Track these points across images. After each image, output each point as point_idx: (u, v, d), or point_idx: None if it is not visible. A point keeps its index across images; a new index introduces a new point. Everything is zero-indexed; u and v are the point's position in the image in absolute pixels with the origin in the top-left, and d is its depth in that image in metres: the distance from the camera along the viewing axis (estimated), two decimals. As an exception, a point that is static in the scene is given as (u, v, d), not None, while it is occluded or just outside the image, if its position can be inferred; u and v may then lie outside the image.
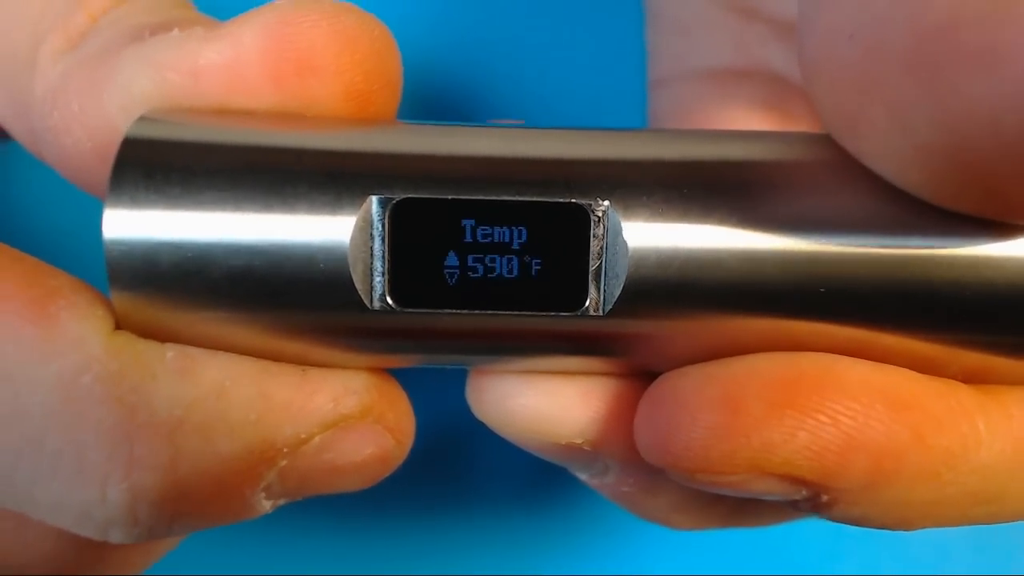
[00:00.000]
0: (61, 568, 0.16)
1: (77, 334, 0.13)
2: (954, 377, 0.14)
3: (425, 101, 0.26)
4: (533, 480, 0.28)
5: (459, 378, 0.17)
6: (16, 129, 0.18)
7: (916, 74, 0.11)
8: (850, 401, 0.13)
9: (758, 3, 0.22)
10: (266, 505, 0.15)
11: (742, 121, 0.22)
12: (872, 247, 0.13)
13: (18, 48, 0.16)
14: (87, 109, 0.15)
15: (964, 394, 0.14)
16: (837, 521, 0.15)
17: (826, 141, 0.14)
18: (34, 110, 0.16)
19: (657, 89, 0.24)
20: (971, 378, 0.14)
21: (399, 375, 0.16)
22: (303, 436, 0.14)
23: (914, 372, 0.14)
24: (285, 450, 0.14)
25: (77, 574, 0.16)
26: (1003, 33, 0.10)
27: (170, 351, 0.14)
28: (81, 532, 0.14)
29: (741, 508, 0.19)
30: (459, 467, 0.27)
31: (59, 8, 0.16)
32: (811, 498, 0.14)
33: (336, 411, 0.15)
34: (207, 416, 0.14)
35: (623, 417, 0.15)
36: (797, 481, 0.14)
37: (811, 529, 0.29)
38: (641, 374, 0.15)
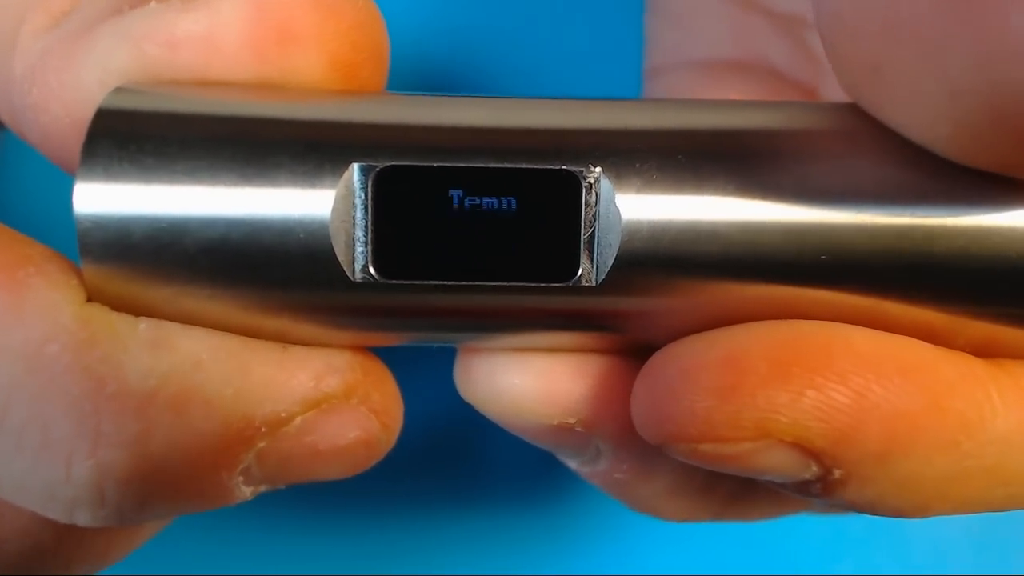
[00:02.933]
0: (39, 546, 0.15)
1: (47, 302, 0.13)
2: (962, 349, 0.14)
3: (415, 85, 0.26)
4: (530, 477, 0.28)
5: (452, 371, 0.16)
6: None
7: (954, 10, 0.11)
8: (859, 361, 0.13)
9: None
10: (245, 491, 0.14)
11: None
12: (875, 215, 0.13)
13: (1, 25, 0.16)
14: (65, 84, 0.15)
15: (975, 363, 0.14)
16: (849, 507, 0.14)
17: (825, 109, 0.14)
18: (14, 88, 0.16)
19: (652, 78, 0.24)
20: (979, 351, 0.14)
21: (393, 365, 0.16)
22: (283, 415, 0.14)
23: (922, 341, 0.14)
24: (264, 429, 0.14)
25: (56, 553, 0.15)
26: None
27: (143, 323, 0.13)
28: (47, 513, 0.13)
29: (738, 497, 0.18)
30: (455, 463, 0.27)
31: None
32: (822, 476, 0.13)
33: (318, 389, 0.14)
34: (182, 388, 0.13)
35: (617, 395, 0.15)
36: (807, 451, 0.13)
37: (811, 529, 0.29)
38: (636, 351, 0.15)
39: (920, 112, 0.12)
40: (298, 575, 0.27)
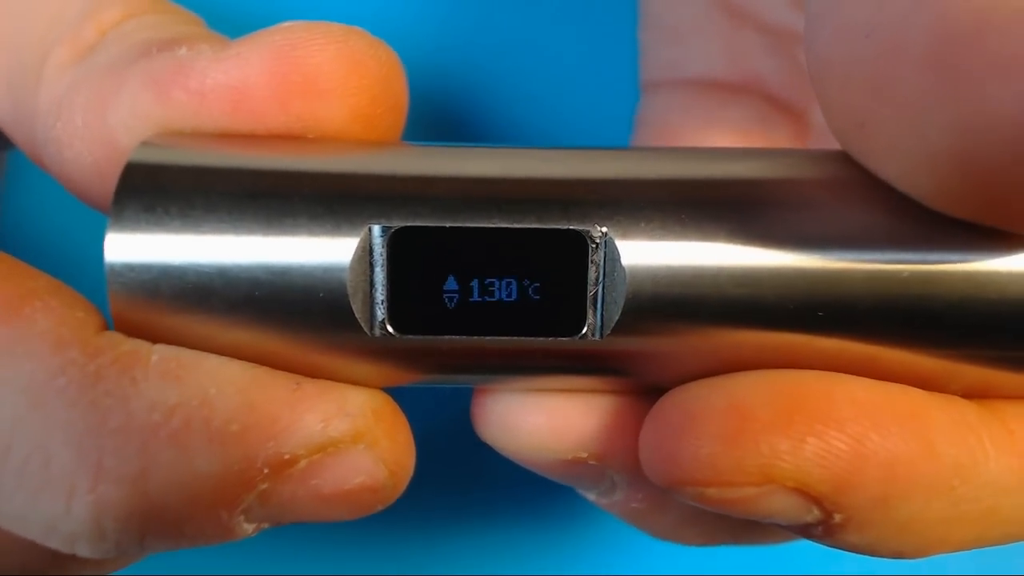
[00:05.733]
0: (38, 559, 0.15)
1: (53, 336, 0.13)
2: (956, 392, 0.14)
3: (426, 103, 0.26)
4: (532, 478, 0.28)
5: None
6: (18, 137, 0.18)
7: (935, 77, 0.11)
8: (857, 410, 0.13)
9: (753, 10, 0.22)
10: (247, 528, 0.14)
11: (725, 139, 0.22)
12: (874, 265, 0.13)
13: (26, 58, 0.17)
14: (90, 124, 0.15)
15: (966, 409, 0.14)
16: (850, 549, 0.14)
17: (822, 158, 0.14)
18: (38, 120, 0.16)
19: (647, 93, 0.24)
20: (972, 393, 0.14)
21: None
22: (287, 456, 0.14)
23: (917, 388, 0.14)
24: (266, 471, 0.13)
25: (56, 563, 0.15)
26: None
27: (156, 354, 0.13)
28: (48, 544, 0.13)
29: (752, 522, 0.19)
30: (457, 465, 0.27)
31: (69, 20, 0.17)
32: (824, 520, 0.14)
33: (324, 433, 0.14)
34: (185, 424, 0.13)
35: (628, 429, 0.15)
36: (809, 496, 0.13)
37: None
38: (645, 391, 0.15)
39: (901, 167, 0.13)
40: (299, 575, 0.28)
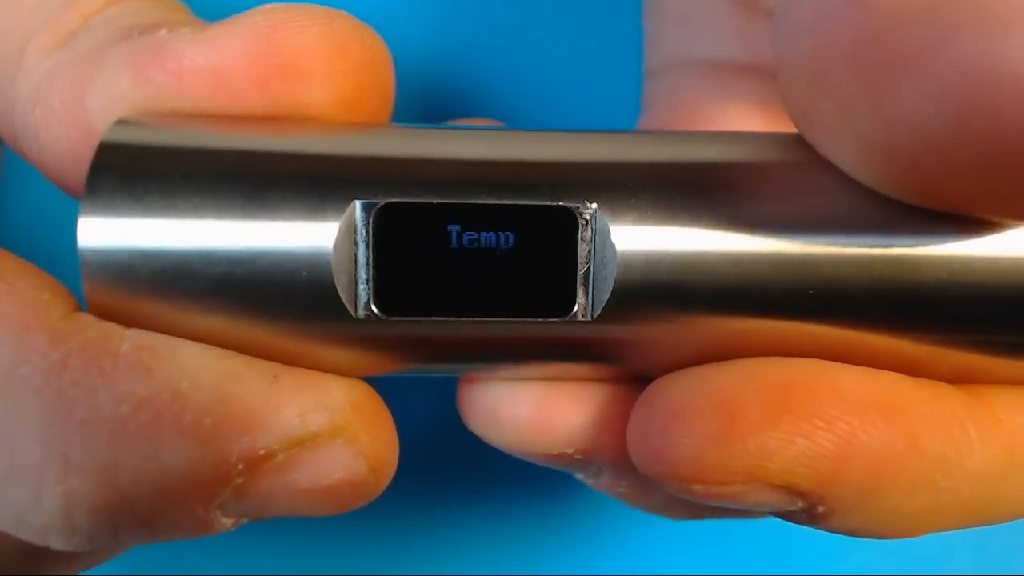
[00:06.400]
0: (9, 557, 0.15)
1: (18, 321, 0.13)
2: (942, 377, 0.14)
3: (414, 89, 0.26)
4: (531, 476, 0.28)
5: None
6: (0, 127, 0.17)
7: (857, 73, 0.11)
8: (845, 406, 0.13)
9: None
10: (225, 523, 0.14)
11: (737, 118, 0.21)
12: (861, 248, 0.13)
13: (6, 45, 0.16)
14: (68, 106, 0.15)
15: (954, 399, 0.14)
16: (833, 532, 0.14)
17: None
18: (17, 107, 0.16)
19: (654, 76, 0.24)
20: (958, 377, 0.14)
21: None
22: (261, 452, 0.13)
23: (904, 376, 0.14)
24: (240, 466, 0.13)
25: (30, 561, 0.15)
26: (932, 35, 0.10)
27: (127, 342, 0.13)
28: (20, 536, 0.13)
29: None
30: (455, 461, 0.27)
31: (51, 6, 0.16)
32: (807, 509, 0.14)
33: (302, 427, 0.13)
34: (155, 418, 0.13)
35: (615, 423, 0.15)
36: (794, 491, 0.13)
37: (812, 529, 0.29)
38: (633, 380, 0.15)
39: (843, 156, 0.13)
40: (299, 575, 0.28)
